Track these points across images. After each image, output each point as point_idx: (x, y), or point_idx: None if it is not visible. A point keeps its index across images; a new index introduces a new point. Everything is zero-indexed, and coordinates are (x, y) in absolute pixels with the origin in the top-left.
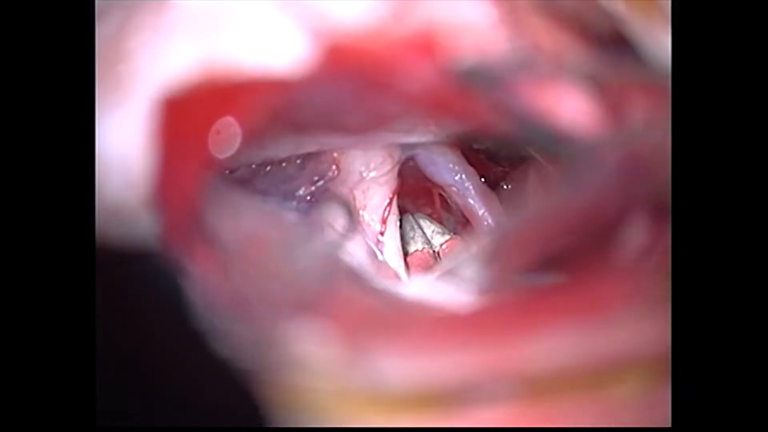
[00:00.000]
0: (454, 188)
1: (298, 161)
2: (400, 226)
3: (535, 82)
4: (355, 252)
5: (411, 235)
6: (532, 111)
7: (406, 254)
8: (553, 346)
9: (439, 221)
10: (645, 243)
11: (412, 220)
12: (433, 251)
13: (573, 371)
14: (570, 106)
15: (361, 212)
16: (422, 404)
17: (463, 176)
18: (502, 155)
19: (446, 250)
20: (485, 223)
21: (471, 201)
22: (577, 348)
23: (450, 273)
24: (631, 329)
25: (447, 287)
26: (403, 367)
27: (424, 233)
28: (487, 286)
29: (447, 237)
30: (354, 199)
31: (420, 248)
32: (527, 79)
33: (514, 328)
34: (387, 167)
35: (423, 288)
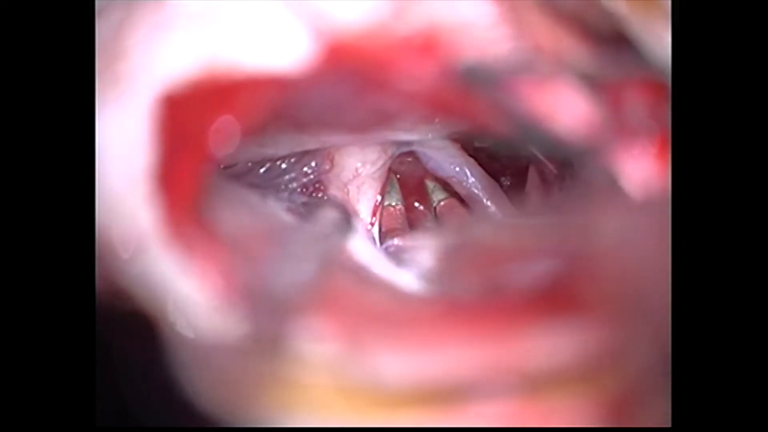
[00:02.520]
0: (455, 179)
1: (293, 159)
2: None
3: (534, 84)
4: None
5: (387, 189)
6: (531, 114)
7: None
8: (551, 343)
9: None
10: (642, 241)
11: (393, 177)
12: (398, 208)
13: (572, 368)
14: (568, 110)
15: (355, 206)
16: (421, 400)
17: (465, 168)
18: (502, 153)
19: (444, 207)
20: (490, 210)
21: (474, 190)
22: (576, 345)
23: (402, 254)
24: (629, 328)
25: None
26: (401, 363)
27: (399, 191)
28: (431, 280)
29: (446, 195)
30: (348, 193)
31: (393, 204)
32: (527, 79)
33: (513, 324)
34: (381, 162)
35: (377, 264)
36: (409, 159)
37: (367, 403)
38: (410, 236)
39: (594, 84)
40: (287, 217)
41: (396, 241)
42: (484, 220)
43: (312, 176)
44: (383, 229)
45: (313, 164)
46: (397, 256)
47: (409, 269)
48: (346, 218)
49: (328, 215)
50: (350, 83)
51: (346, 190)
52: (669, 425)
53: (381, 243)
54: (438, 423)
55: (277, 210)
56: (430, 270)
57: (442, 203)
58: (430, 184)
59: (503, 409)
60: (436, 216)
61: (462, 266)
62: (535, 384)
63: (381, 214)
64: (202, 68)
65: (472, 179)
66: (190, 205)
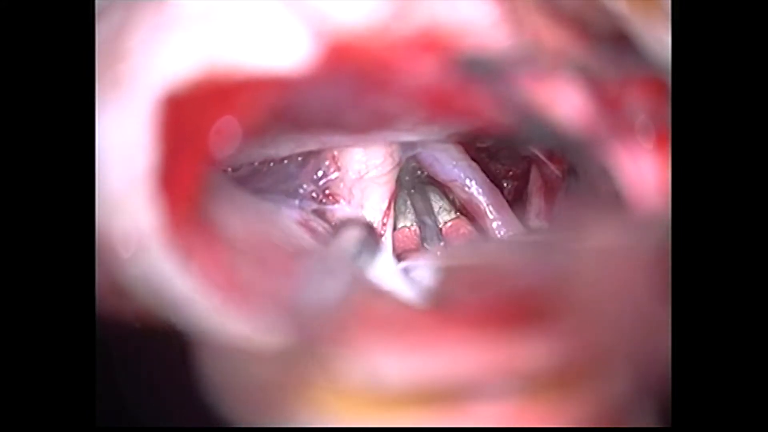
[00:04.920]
0: (457, 183)
1: (299, 158)
2: (394, 201)
3: (534, 77)
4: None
5: (402, 209)
6: (531, 105)
7: (394, 229)
8: (549, 345)
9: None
10: (640, 247)
11: (405, 197)
12: (420, 227)
13: (569, 370)
14: (567, 103)
15: (359, 211)
16: (420, 401)
17: (467, 171)
18: (503, 154)
19: (450, 229)
20: (489, 216)
21: (475, 195)
22: (573, 348)
23: (409, 269)
24: (627, 328)
25: (402, 282)
26: (401, 364)
27: (415, 210)
28: (433, 296)
29: (453, 216)
30: (353, 197)
31: (408, 225)
32: (527, 73)
33: (511, 326)
34: (387, 167)
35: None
36: (413, 164)
37: (366, 404)
38: (421, 255)
39: (594, 81)
40: (300, 228)
41: (408, 262)
42: (489, 241)
43: (320, 182)
44: (397, 251)
45: (320, 170)
46: (406, 274)
47: (415, 286)
48: (372, 238)
49: (354, 234)
50: (351, 84)
51: (351, 194)
52: (669, 425)
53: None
54: (437, 424)
55: (290, 220)
56: (434, 289)
57: (448, 224)
58: (435, 205)
59: (502, 411)
60: (443, 236)
61: (464, 286)
62: (533, 386)
63: (394, 236)
64: (202, 69)
65: (473, 184)
66: (191, 206)
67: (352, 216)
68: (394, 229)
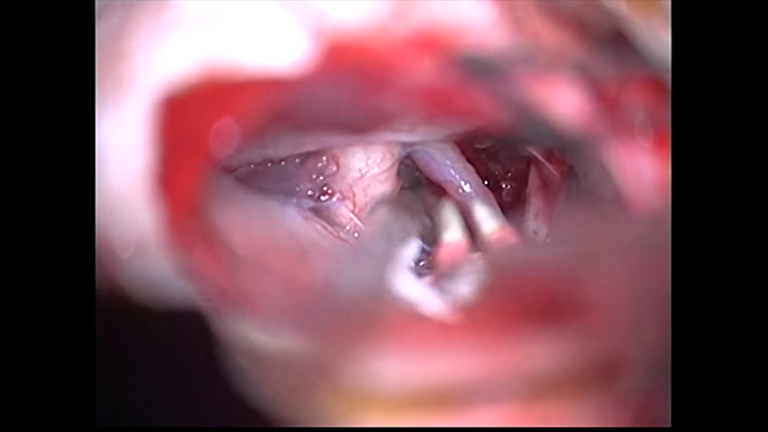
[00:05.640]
0: (452, 184)
1: (299, 158)
2: (437, 211)
3: (533, 76)
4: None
5: (446, 220)
6: (530, 104)
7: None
8: (551, 348)
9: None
10: (642, 250)
11: (449, 203)
12: (472, 240)
13: (570, 373)
14: (566, 101)
15: (361, 209)
16: (421, 404)
17: (462, 174)
18: (502, 155)
19: (496, 239)
20: (479, 221)
21: (468, 198)
22: (575, 351)
23: (443, 283)
24: (628, 330)
25: (434, 295)
26: (401, 367)
27: (463, 219)
28: (470, 308)
29: (500, 224)
30: (354, 195)
31: (457, 239)
32: (526, 72)
33: (513, 329)
34: (387, 164)
35: (409, 289)
36: (408, 162)
37: (367, 407)
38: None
39: (593, 80)
40: (301, 228)
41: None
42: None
43: (319, 180)
44: (442, 271)
45: (319, 167)
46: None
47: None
48: (405, 221)
49: (386, 219)
50: (349, 83)
51: (351, 192)
52: (669, 425)
53: (437, 284)
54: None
55: (292, 220)
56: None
57: (495, 235)
58: (482, 212)
59: (503, 414)
60: (487, 247)
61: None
62: (534, 389)
63: (440, 253)
64: (201, 70)
65: (468, 187)
66: (191, 206)
67: (384, 195)
68: (435, 243)
